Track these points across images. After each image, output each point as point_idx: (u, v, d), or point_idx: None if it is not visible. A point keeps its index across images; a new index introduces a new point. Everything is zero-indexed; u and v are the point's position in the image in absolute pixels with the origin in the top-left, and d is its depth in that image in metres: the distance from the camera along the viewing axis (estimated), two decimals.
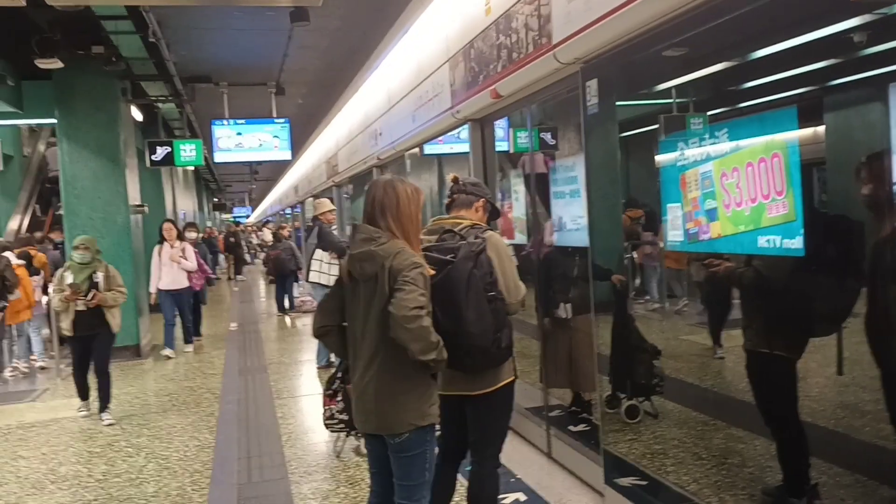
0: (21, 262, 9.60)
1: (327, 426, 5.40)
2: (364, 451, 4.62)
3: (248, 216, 54.23)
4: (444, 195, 4.15)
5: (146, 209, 11.46)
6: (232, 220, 49.70)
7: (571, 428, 5.41)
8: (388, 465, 3.31)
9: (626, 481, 4.34)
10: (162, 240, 10.51)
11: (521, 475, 5.10)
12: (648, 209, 4.76)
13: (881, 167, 2.70)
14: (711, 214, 3.52)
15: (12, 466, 5.97)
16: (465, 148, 7.08)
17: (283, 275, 14.80)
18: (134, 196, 10.96)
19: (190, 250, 10.64)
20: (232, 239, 24.50)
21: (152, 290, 10.46)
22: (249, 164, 20.62)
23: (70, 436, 6.74)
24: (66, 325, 6.82)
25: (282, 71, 11.44)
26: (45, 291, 10.04)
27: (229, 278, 24.40)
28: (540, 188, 5.73)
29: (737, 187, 3.32)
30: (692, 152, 3.66)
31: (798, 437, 3.40)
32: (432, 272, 3.19)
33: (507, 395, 3.62)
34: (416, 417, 3.16)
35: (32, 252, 10.42)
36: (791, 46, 3.31)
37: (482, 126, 6.50)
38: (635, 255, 5.01)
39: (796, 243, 2.99)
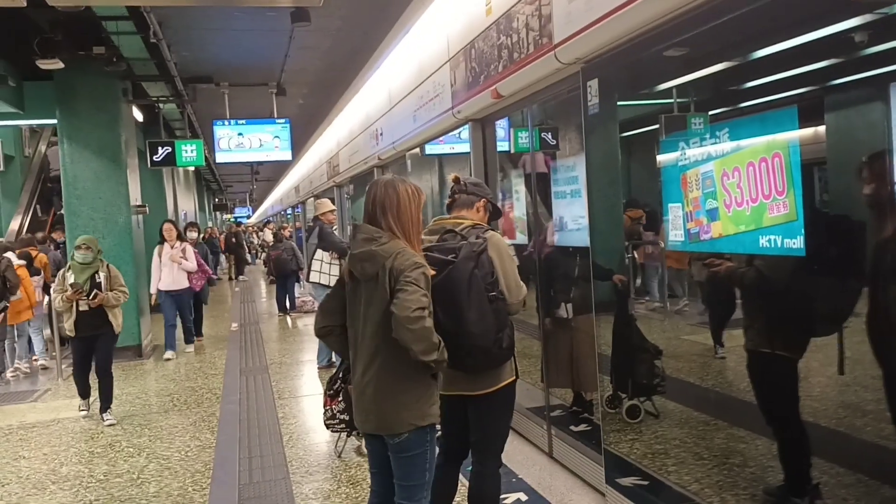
0: (22, 262, 9.61)
1: (328, 426, 5.40)
2: (365, 451, 4.62)
3: (248, 216, 54.25)
4: (445, 195, 4.15)
5: (147, 209, 11.47)
6: (233, 220, 49.72)
7: (573, 428, 5.41)
8: (388, 465, 3.32)
9: (627, 481, 4.34)
10: (162, 240, 10.51)
11: (523, 475, 5.11)
12: (649, 209, 4.76)
13: (882, 167, 2.70)
14: (712, 214, 3.52)
15: (14, 467, 5.98)
16: (465, 148, 7.07)
17: (285, 275, 14.81)
18: (135, 196, 10.97)
19: (190, 250, 10.64)
20: (234, 239, 24.48)
21: (152, 290, 10.47)
22: (250, 164, 20.67)
23: (71, 436, 6.75)
24: (68, 325, 6.84)
25: (283, 71, 11.45)
26: (45, 291, 10.06)
27: (230, 278, 24.40)
28: (541, 188, 5.73)
29: (738, 187, 3.32)
30: (693, 152, 3.66)
31: (799, 436, 3.40)
32: (433, 272, 3.19)
33: (508, 395, 3.62)
34: (415, 417, 3.16)
35: (33, 253, 10.43)
36: (792, 46, 3.30)
37: (483, 126, 6.50)
38: (636, 254, 5.00)
39: (797, 243, 2.99)
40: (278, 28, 8.92)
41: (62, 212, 10.76)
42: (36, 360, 10.16)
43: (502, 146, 6.62)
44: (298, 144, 16.51)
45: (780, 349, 3.47)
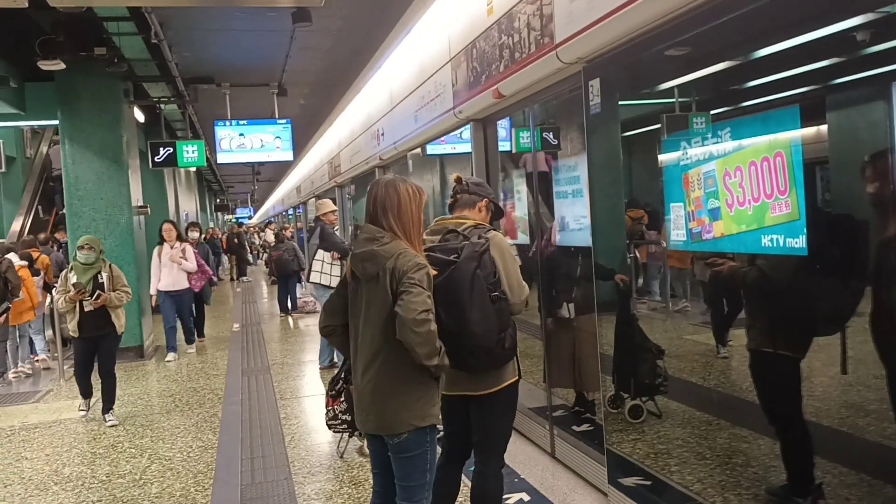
0: (24, 262, 9.61)
1: (330, 427, 5.40)
2: (367, 451, 4.62)
3: (250, 217, 54.28)
4: (447, 195, 4.15)
5: (149, 210, 11.47)
6: (234, 220, 49.75)
7: (575, 428, 5.40)
8: (390, 465, 3.32)
9: (629, 481, 4.34)
10: (162, 241, 10.50)
11: (525, 475, 5.11)
12: (650, 209, 4.75)
13: (885, 166, 2.69)
14: (714, 214, 3.51)
15: (16, 468, 5.98)
16: (467, 148, 7.07)
17: (286, 275, 14.81)
18: (137, 197, 10.99)
19: (190, 251, 10.62)
20: (236, 240, 24.49)
21: (152, 291, 10.45)
22: (251, 164, 20.68)
23: (74, 437, 6.75)
24: (72, 325, 6.84)
25: (284, 72, 11.45)
26: (46, 290, 10.07)
27: (231, 279, 24.41)
28: (542, 188, 5.72)
29: (740, 186, 3.31)
30: (695, 151, 3.65)
31: (802, 436, 3.40)
32: (434, 272, 3.19)
33: (510, 395, 3.62)
34: (415, 418, 3.16)
35: (35, 254, 10.44)
36: (793, 45, 3.30)
37: (484, 126, 6.50)
38: (638, 254, 5.00)
39: (799, 242, 2.98)
40: (279, 28, 8.92)
41: (64, 211, 10.76)
42: (37, 360, 10.17)
43: (504, 146, 6.62)
44: (300, 145, 16.51)
45: (782, 349, 3.47)
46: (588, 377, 5.32)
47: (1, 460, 6.19)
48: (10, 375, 9.46)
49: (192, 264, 10.51)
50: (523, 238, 6.19)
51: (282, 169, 25.73)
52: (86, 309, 6.77)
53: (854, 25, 2.91)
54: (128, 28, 8.74)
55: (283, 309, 14.67)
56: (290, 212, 31.26)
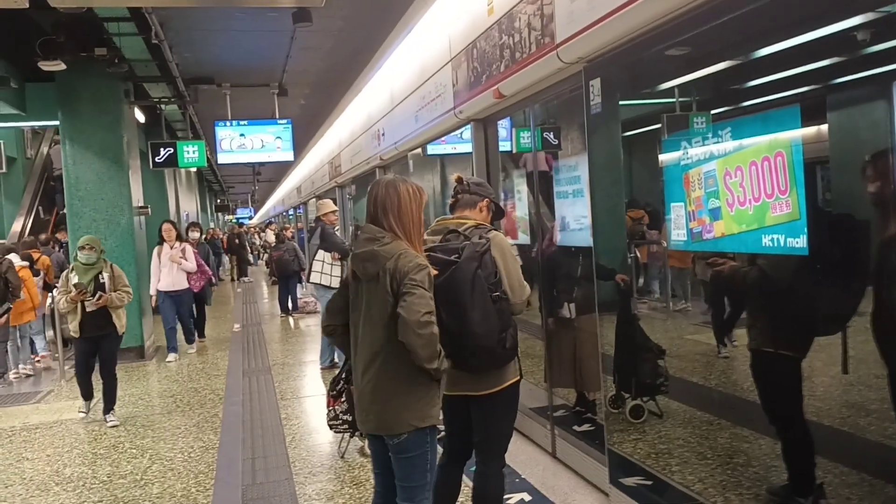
0: (25, 263, 9.62)
1: (331, 427, 5.40)
2: (368, 451, 4.62)
3: (250, 217, 54.30)
4: (447, 195, 4.15)
5: (149, 210, 11.48)
6: (235, 221, 49.76)
7: (576, 428, 5.40)
8: (391, 465, 3.32)
9: (631, 481, 4.34)
10: (161, 241, 10.50)
11: (526, 475, 5.11)
12: (651, 209, 4.76)
13: (886, 165, 2.69)
14: (715, 213, 3.51)
15: (17, 468, 5.99)
16: (467, 148, 7.07)
17: (287, 276, 14.81)
18: (137, 198, 10.99)
19: (190, 251, 10.61)
20: (237, 240, 24.49)
21: (152, 291, 10.43)
22: (252, 165, 20.68)
23: (74, 437, 6.75)
24: (73, 326, 6.82)
25: (284, 72, 11.46)
26: (47, 290, 10.08)
27: (232, 279, 24.42)
28: (543, 188, 5.72)
29: (740, 186, 3.31)
30: (695, 151, 3.65)
31: (803, 436, 3.39)
32: (435, 272, 3.19)
33: (512, 395, 3.62)
34: (415, 418, 3.16)
35: (35, 255, 10.45)
36: (794, 45, 3.30)
37: (485, 126, 6.50)
38: (638, 253, 5.00)
39: (800, 242, 2.98)
40: (280, 29, 8.93)
41: (65, 211, 10.76)
42: (38, 360, 10.17)
43: (504, 146, 6.62)
44: (300, 145, 16.51)
45: (783, 348, 3.46)
46: (589, 377, 5.32)
47: (2, 461, 6.19)
48: (11, 376, 9.46)
49: (191, 264, 10.50)
50: (524, 238, 6.19)
51: (282, 169, 25.75)
52: (87, 309, 6.76)
53: (854, 25, 2.91)
54: (128, 28, 8.74)
55: (284, 309, 14.67)
56: (291, 212, 31.27)
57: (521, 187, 6.26)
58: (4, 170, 13.46)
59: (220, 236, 26.41)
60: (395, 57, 8.38)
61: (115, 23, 8.70)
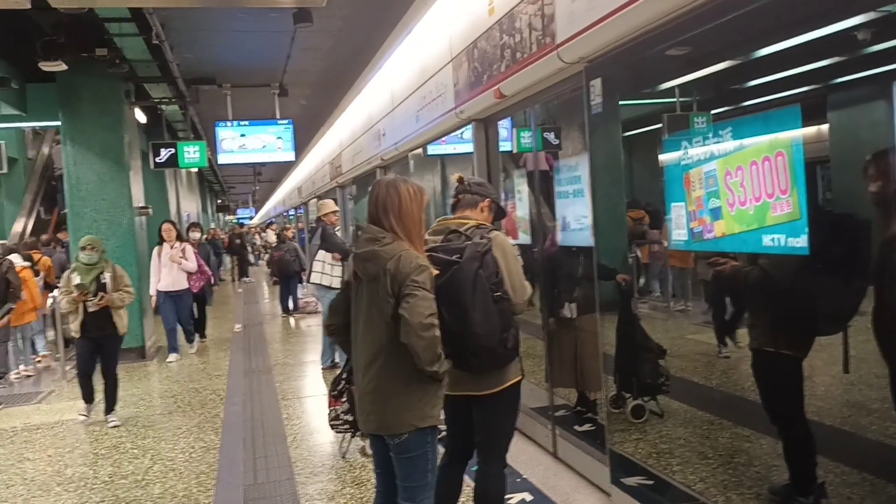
0: (26, 263, 9.63)
1: (332, 427, 5.41)
2: (369, 451, 4.62)
3: (251, 217, 54.31)
4: (448, 196, 4.16)
5: (150, 211, 11.48)
6: (235, 221, 49.78)
7: (577, 428, 5.41)
8: (392, 465, 3.32)
9: (632, 481, 4.34)
10: (161, 241, 10.49)
11: (527, 475, 5.11)
12: (651, 208, 4.76)
13: (888, 165, 2.70)
14: (716, 213, 3.51)
15: (19, 468, 5.99)
16: (467, 148, 7.08)
17: (287, 276, 14.81)
18: (138, 198, 10.99)
19: (190, 251, 10.60)
20: (238, 241, 24.51)
21: (152, 292, 10.40)
22: (253, 165, 20.67)
23: (76, 438, 6.76)
24: (74, 326, 6.81)
25: (285, 72, 11.46)
26: (48, 289, 10.09)
27: (233, 279, 24.44)
28: (543, 188, 5.72)
29: (741, 186, 3.32)
30: (696, 151, 3.65)
31: (804, 435, 3.40)
32: (436, 272, 3.19)
33: (513, 395, 3.62)
34: (415, 418, 3.17)
35: (36, 256, 10.46)
36: (795, 45, 3.30)
37: (486, 126, 6.51)
38: (639, 253, 5.00)
39: (801, 242, 2.98)
40: (280, 29, 8.92)
41: (66, 211, 10.77)
42: (38, 359, 10.18)
43: (505, 146, 6.63)
44: (301, 145, 16.51)
45: (784, 348, 3.47)
46: (590, 377, 5.32)
47: (3, 461, 6.20)
48: (12, 376, 9.46)
49: (192, 264, 10.48)
50: (524, 238, 6.19)
51: (283, 169, 25.76)
52: (89, 310, 6.74)
53: (855, 25, 2.91)
54: (129, 29, 8.74)
55: (285, 309, 14.68)
56: (292, 212, 31.29)
57: (522, 187, 6.26)
58: (6, 170, 13.49)
59: (222, 236, 26.42)
60: (396, 57, 8.39)
61: (116, 23, 8.70)
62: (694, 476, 4.06)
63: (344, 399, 5.25)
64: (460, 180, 3.83)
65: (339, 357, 8.70)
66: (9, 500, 5.31)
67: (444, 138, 8.08)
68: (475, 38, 5.91)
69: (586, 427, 5.38)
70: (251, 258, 28.44)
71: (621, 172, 4.65)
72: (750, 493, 3.69)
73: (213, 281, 12.47)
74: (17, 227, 14.33)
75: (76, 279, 6.78)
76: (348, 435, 5.58)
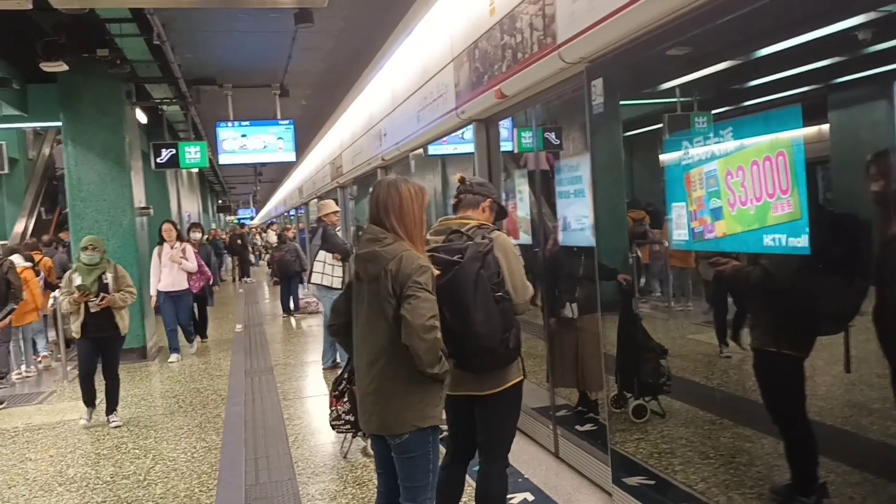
0: (28, 264, 9.63)
1: (334, 427, 5.41)
2: (371, 451, 4.62)
3: (252, 218, 54.31)
4: (448, 196, 4.16)
5: (151, 211, 11.49)
6: (236, 221, 49.79)
7: (578, 428, 5.41)
8: (393, 465, 3.32)
9: (633, 481, 4.34)
10: (161, 241, 10.50)
11: (529, 475, 5.11)
12: (652, 209, 4.77)
13: (889, 164, 2.70)
14: (716, 213, 3.51)
15: (20, 469, 6.00)
16: (468, 148, 7.08)
17: (288, 276, 14.81)
18: (139, 198, 11.00)
19: (190, 251, 10.61)
20: (239, 241, 24.52)
21: (152, 292, 10.40)
22: (254, 165, 20.68)
23: (77, 438, 6.76)
24: (75, 327, 6.79)
25: (286, 73, 11.47)
26: (49, 289, 10.09)
27: (233, 280, 24.45)
28: (544, 188, 5.73)
29: (742, 186, 3.32)
30: (697, 151, 3.66)
31: (806, 435, 3.40)
32: (437, 272, 3.20)
33: (515, 395, 3.63)
34: (416, 419, 3.17)
35: (37, 257, 10.46)
36: (796, 44, 3.30)
37: (487, 126, 6.51)
38: (640, 253, 5.00)
39: (802, 242, 2.99)
40: (281, 29, 8.93)
41: (67, 210, 10.78)
42: (39, 359, 10.18)
43: (505, 146, 6.63)
44: (302, 146, 16.52)
45: (786, 348, 3.47)
46: (591, 377, 5.32)
47: (5, 461, 6.20)
48: (14, 377, 9.47)
49: (192, 264, 10.49)
50: (525, 238, 6.19)
51: (284, 170, 25.76)
52: (91, 310, 6.72)
53: (855, 25, 2.92)
54: (130, 30, 8.76)
55: (286, 310, 14.69)
56: (292, 212, 31.30)
57: (523, 187, 6.26)
58: (7, 171, 13.50)
59: (223, 236, 26.44)
60: (397, 57, 8.39)
61: (117, 24, 8.72)
62: (695, 476, 4.07)
63: (345, 399, 5.25)
64: (462, 180, 3.84)
65: (340, 357, 8.71)
66: (11, 501, 5.31)
67: (444, 138, 8.09)
68: (476, 39, 5.91)
69: (588, 427, 5.38)
70: (252, 258, 28.44)
71: (622, 172, 4.65)
72: (751, 492, 3.69)
73: (212, 281, 12.45)
74: (18, 227, 14.34)
75: (77, 280, 6.77)
76: (350, 435, 5.59)
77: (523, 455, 5.41)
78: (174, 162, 11.69)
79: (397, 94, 9.03)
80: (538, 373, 5.90)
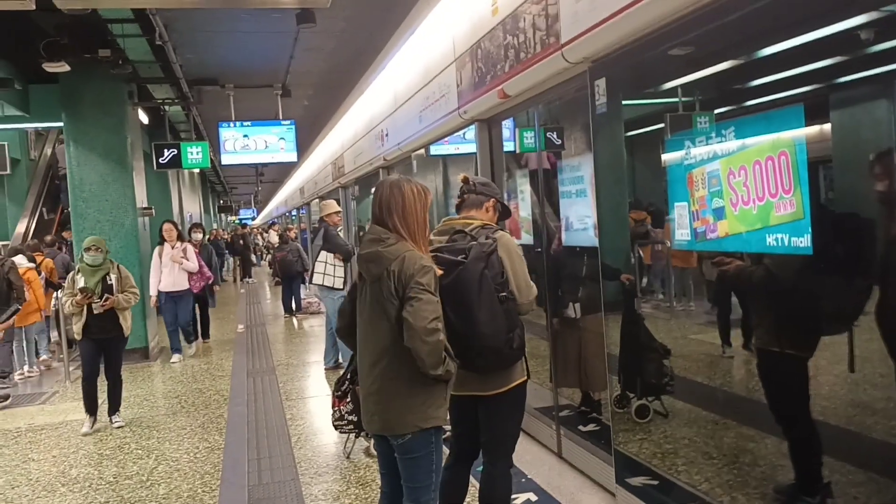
0: (31, 265, 9.64)
1: (336, 427, 5.41)
2: (374, 451, 4.62)
3: (253, 218, 54.31)
4: (449, 196, 4.17)
5: (153, 212, 11.50)
6: (237, 222, 49.80)
7: (581, 428, 5.41)
8: (397, 465, 3.33)
9: (637, 481, 4.34)
10: (162, 241, 10.49)
11: (532, 475, 5.11)
12: (654, 209, 4.76)
13: (894, 163, 2.70)
14: (719, 213, 3.52)
15: (23, 469, 6.00)
16: (469, 148, 7.08)
17: (290, 276, 14.81)
18: (141, 199, 11.01)
19: (191, 250, 10.61)
20: (241, 241, 24.52)
21: (152, 292, 10.36)
22: (255, 166, 20.69)
23: (80, 438, 6.76)
24: (77, 328, 6.76)
25: (288, 73, 11.47)
26: (52, 288, 10.10)
27: (234, 280, 24.46)
28: (545, 187, 5.73)
29: (744, 186, 3.32)
30: (699, 151, 3.66)
31: (810, 435, 3.40)
32: (441, 272, 3.20)
33: (519, 395, 3.63)
34: (419, 419, 3.17)
35: (39, 258, 10.47)
36: (797, 44, 3.30)
37: (489, 126, 6.51)
38: (642, 253, 5.00)
39: (804, 241, 2.99)
40: (283, 30, 8.94)
41: (69, 209, 10.79)
42: (42, 361, 10.19)
43: (507, 146, 6.63)
44: (303, 146, 16.52)
45: (789, 348, 3.47)
46: (594, 377, 5.32)
47: (8, 462, 6.21)
48: (16, 377, 9.47)
49: (193, 264, 10.48)
50: (527, 238, 6.19)
51: (285, 170, 25.76)
52: (95, 311, 6.68)
53: (858, 24, 2.91)
54: (132, 30, 8.76)
55: (288, 310, 14.69)
56: (294, 213, 31.31)
57: (524, 187, 6.26)
58: (8, 171, 13.50)
59: (225, 236, 26.45)
60: (399, 58, 8.39)
61: (119, 24, 8.72)
62: (699, 476, 4.06)
63: (348, 400, 5.25)
64: (465, 180, 3.83)
65: (342, 357, 8.71)
66: (14, 501, 5.32)
67: (445, 139, 8.09)
68: (479, 39, 5.91)
69: (591, 427, 5.38)
70: (253, 258, 28.45)
71: (624, 172, 4.65)
72: (755, 493, 3.68)
73: (213, 281, 12.45)
74: (20, 227, 14.35)
75: (81, 281, 6.74)
76: (353, 435, 5.59)
77: (526, 455, 5.41)
78: (176, 162, 11.70)
79: (399, 94, 9.03)
80: (541, 373, 5.89)
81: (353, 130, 12.86)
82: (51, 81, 10.05)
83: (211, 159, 14.45)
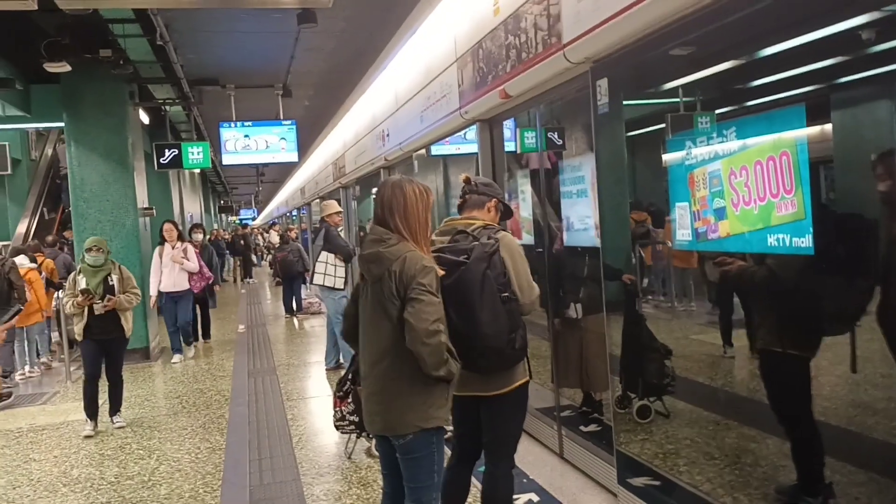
0: (33, 265, 9.64)
1: (338, 428, 5.41)
2: (375, 452, 4.62)
3: (254, 218, 54.31)
4: (450, 196, 4.17)
5: (154, 212, 11.50)
6: (238, 222, 49.80)
7: (583, 428, 5.41)
8: (398, 466, 3.32)
9: (639, 481, 4.34)
10: (162, 241, 10.49)
11: (534, 476, 5.11)
12: (655, 209, 4.76)
13: (893, 164, 2.70)
14: (720, 213, 3.51)
15: (25, 469, 6.01)
16: (470, 149, 7.07)
17: (291, 276, 14.81)
18: (142, 199, 11.01)
19: (191, 251, 10.60)
20: (242, 242, 24.52)
21: (153, 292, 10.34)
22: (256, 166, 20.69)
23: (81, 438, 6.76)
24: (78, 329, 6.74)
25: (288, 73, 11.47)
26: (53, 288, 10.10)
27: (234, 280, 24.47)
28: (547, 188, 5.72)
29: (745, 186, 3.32)
30: (700, 151, 3.66)
31: (812, 435, 3.40)
32: (442, 272, 3.20)
33: (521, 395, 3.63)
34: (420, 419, 3.16)
35: (40, 259, 10.48)
36: (799, 44, 3.30)
37: (491, 126, 6.51)
38: (643, 254, 5.00)
39: (806, 242, 2.99)
40: (284, 30, 8.94)
41: (70, 209, 10.79)
42: (45, 362, 10.20)
43: (508, 146, 6.63)
44: (304, 146, 16.51)
45: (791, 348, 3.47)
46: (595, 377, 5.32)
47: (9, 462, 6.22)
48: (17, 377, 9.47)
49: (193, 264, 10.48)
50: (528, 238, 6.18)
51: (286, 170, 25.76)
52: (96, 312, 6.67)
53: (859, 24, 2.91)
54: (133, 30, 8.77)
55: (289, 310, 14.69)
56: (294, 213, 31.30)
57: (525, 187, 6.26)
58: (9, 171, 13.50)
59: (225, 237, 26.45)
60: (400, 58, 8.39)
61: (120, 24, 8.72)
62: (701, 476, 4.06)
63: (349, 400, 5.25)
64: (467, 181, 3.83)
65: (343, 358, 8.71)
66: (16, 501, 5.32)
67: (446, 139, 8.09)
68: (480, 39, 5.91)
69: (592, 427, 5.38)
70: (254, 258, 28.46)
71: (625, 172, 4.65)
72: (757, 493, 3.68)
73: (214, 282, 12.44)
74: (21, 228, 14.35)
75: (82, 282, 6.72)
76: (354, 436, 5.59)
77: (528, 456, 5.41)
78: (177, 162, 11.70)
79: (400, 94, 9.03)
80: (542, 373, 5.89)
81: (354, 130, 12.86)
82: (52, 81, 10.05)
83: (212, 159, 14.45)
